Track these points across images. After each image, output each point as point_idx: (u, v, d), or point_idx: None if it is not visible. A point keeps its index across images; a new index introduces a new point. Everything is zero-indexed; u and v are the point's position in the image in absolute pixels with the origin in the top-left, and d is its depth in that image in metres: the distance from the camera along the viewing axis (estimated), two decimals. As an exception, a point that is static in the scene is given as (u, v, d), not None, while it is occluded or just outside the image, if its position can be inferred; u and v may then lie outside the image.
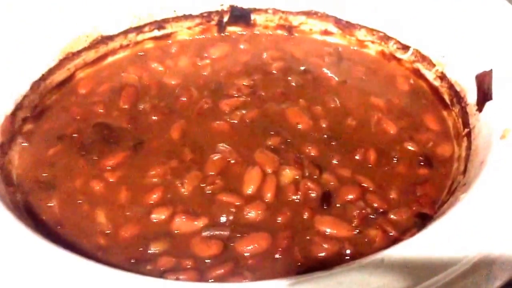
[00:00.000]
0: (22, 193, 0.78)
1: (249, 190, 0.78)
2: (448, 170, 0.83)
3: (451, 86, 0.92)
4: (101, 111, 0.90)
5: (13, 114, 0.85)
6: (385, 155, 0.84)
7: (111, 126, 0.87)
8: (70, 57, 0.96)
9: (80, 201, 0.77)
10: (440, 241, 0.63)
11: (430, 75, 0.97)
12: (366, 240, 0.73)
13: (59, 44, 0.94)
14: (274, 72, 0.99)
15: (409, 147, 0.85)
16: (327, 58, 1.02)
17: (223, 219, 0.74)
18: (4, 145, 0.81)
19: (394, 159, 0.83)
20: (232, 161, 0.81)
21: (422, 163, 0.83)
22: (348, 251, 0.71)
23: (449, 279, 0.58)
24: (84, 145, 0.84)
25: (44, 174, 0.80)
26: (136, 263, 0.69)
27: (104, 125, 0.87)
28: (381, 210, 0.76)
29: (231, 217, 0.74)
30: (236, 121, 0.88)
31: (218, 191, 0.77)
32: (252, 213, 0.75)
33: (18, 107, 0.86)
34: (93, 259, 0.67)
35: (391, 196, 0.78)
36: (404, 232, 0.73)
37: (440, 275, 0.58)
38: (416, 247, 0.62)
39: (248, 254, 0.70)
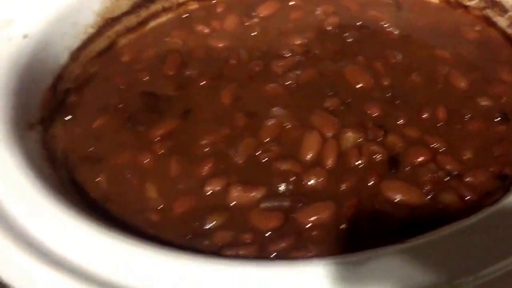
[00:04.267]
0: (68, 169, 0.74)
1: (308, 156, 0.72)
2: (529, 125, 0.75)
3: (527, 33, 0.84)
4: (146, 79, 0.85)
5: (53, 86, 0.81)
6: (456, 112, 0.77)
7: (157, 95, 0.82)
8: (110, 23, 0.91)
9: (129, 176, 0.72)
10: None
11: (502, 21, 0.88)
12: (440, 206, 0.66)
13: (96, 8, 0.89)
14: (329, 28, 0.92)
15: (483, 103, 0.78)
16: (385, 10, 0.94)
17: (281, 188, 0.69)
18: (46, 120, 0.77)
19: (466, 116, 0.76)
20: (288, 126, 0.75)
21: (498, 119, 0.76)
22: (421, 218, 0.65)
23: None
24: (130, 115, 0.79)
25: (90, 149, 0.76)
26: (191, 239, 0.65)
27: (150, 94, 0.82)
28: (455, 172, 0.69)
29: (290, 186, 0.69)
30: (290, 83, 0.82)
31: (274, 159, 0.72)
32: (313, 181, 0.69)
33: (58, 79, 0.82)
34: (145, 236, 0.64)
35: (465, 157, 0.71)
36: (484, 196, 0.67)
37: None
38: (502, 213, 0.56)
39: (311, 225, 0.65)
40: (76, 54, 0.86)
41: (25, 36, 0.78)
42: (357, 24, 0.92)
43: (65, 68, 0.84)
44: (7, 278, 0.53)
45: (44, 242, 0.56)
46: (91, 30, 0.88)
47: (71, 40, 0.85)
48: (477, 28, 0.90)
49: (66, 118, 0.81)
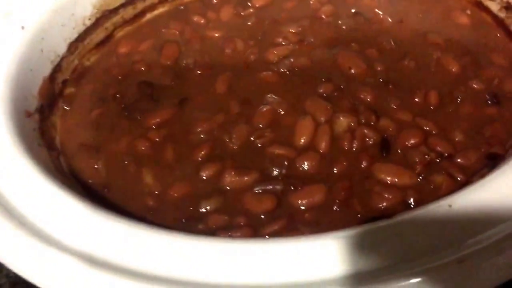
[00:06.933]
0: (66, 157, 0.76)
1: (301, 141, 0.73)
2: (519, 107, 0.76)
3: (518, 16, 0.84)
4: (143, 69, 0.87)
5: (52, 76, 0.82)
6: (448, 95, 0.78)
7: (154, 84, 0.83)
8: (107, 15, 0.92)
9: (126, 162, 0.74)
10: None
11: (494, 6, 0.89)
12: (431, 187, 0.68)
13: (93, 0, 0.90)
14: (323, 17, 0.93)
15: (474, 85, 0.79)
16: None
17: (275, 172, 0.70)
18: (44, 109, 0.79)
19: (458, 99, 0.77)
20: (282, 112, 0.77)
21: (489, 102, 0.76)
22: (412, 200, 0.66)
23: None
24: (127, 105, 0.81)
25: (88, 137, 0.78)
26: (187, 223, 0.66)
27: (147, 84, 0.83)
28: (446, 154, 0.70)
29: (283, 170, 0.70)
30: (284, 71, 0.83)
31: (268, 144, 0.73)
32: (306, 165, 0.70)
33: (57, 69, 0.83)
34: (142, 220, 0.65)
35: (456, 139, 0.72)
36: (473, 175, 0.68)
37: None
38: (486, 190, 0.58)
39: (303, 207, 0.67)
40: (74, 46, 0.87)
41: (22, 28, 0.79)
42: (351, 12, 0.93)
43: (63, 59, 0.85)
44: (9, 262, 0.55)
45: (43, 225, 0.57)
46: (88, 22, 0.89)
47: (69, 31, 0.86)
48: (469, 12, 0.91)
49: (64, 108, 0.82)
